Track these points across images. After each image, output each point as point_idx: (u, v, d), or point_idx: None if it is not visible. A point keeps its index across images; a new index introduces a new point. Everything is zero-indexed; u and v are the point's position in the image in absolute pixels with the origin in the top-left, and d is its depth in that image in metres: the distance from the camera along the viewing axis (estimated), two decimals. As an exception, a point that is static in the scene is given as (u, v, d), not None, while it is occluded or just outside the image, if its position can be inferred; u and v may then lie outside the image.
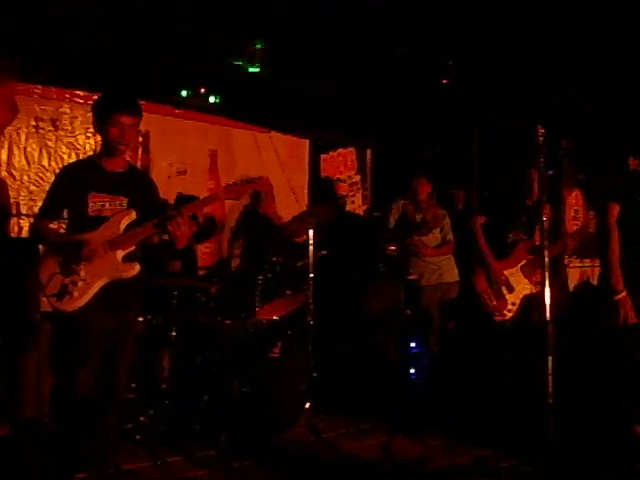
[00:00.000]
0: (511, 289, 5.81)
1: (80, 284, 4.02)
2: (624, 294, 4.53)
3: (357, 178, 9.11)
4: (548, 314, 3.50)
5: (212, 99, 7.17)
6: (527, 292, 5.82)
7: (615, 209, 4.68)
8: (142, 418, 5.04)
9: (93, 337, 4.10)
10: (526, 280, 5.83)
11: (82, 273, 4.02)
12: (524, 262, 5.84)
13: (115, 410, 4.31)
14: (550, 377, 3.43)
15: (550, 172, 3.73)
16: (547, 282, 3.55)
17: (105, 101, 4.29)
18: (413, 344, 6.84)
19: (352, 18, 6.09)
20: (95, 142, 6.32)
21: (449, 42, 5.73)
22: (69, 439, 4.23)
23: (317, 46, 6.38)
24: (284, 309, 5.84)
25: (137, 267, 4.14)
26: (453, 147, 8.16)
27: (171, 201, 6.29)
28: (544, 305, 3.53)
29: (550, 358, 3.43)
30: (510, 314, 5.77)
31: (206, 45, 6.32)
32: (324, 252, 6.38)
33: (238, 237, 7.07)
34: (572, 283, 7.79)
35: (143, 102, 4.42)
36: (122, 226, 4.12)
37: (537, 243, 5.86)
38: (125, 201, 4.23)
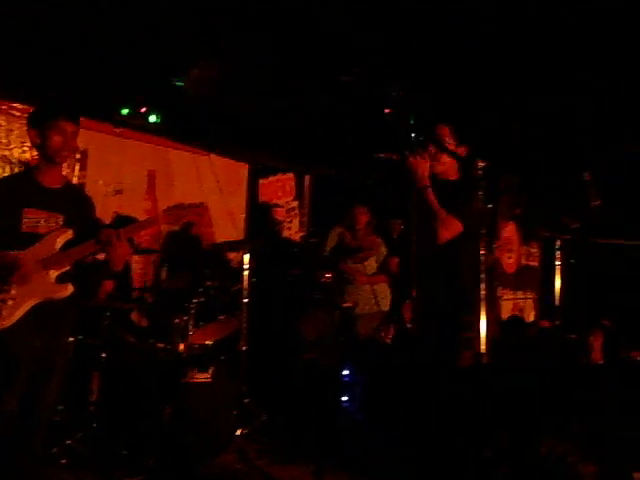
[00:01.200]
0: None
1: (10, 303, 3.90)
2: None
3: (295, 204, 9.12)
4: (483, 347, 3.53)
5: (153, 118, 7.10)
6: None
7: None
8: (69, 441, 4.93)
9: (20, 358, 3.97)
10: None
11: (13, 292, 3.91)
12: None
13: (40, 433, 4.19)
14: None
15: (489, 206, 3.78)
16: (483, 316, 3.58)
17: (46, 108, 4.18)
18: (346, 372, 6.83)
19: (297, 41, 6.10)
20: (31, 156, 6.19)
21: (393, 71, 5.77)
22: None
23: (260, 69, 6.37)
24: (217, 334, 5.79)
25: (70, 288, 4.03)
26: (392, 176, 8.22)
27: (107, 220, 6.21)
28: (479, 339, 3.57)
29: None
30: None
31: (148, 64, 6.26)
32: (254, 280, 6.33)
33: (165, 260, 7.01)
34: (505, 315, 7.90)
35: (82, 118, 4.34)
36: (58, 245, 4.01)
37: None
38: (61, 218, 4.11)
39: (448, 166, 4.36)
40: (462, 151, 4.31)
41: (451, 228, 4.17)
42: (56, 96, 4.97)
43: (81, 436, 5.00)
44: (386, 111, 4.00)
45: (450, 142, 4.32)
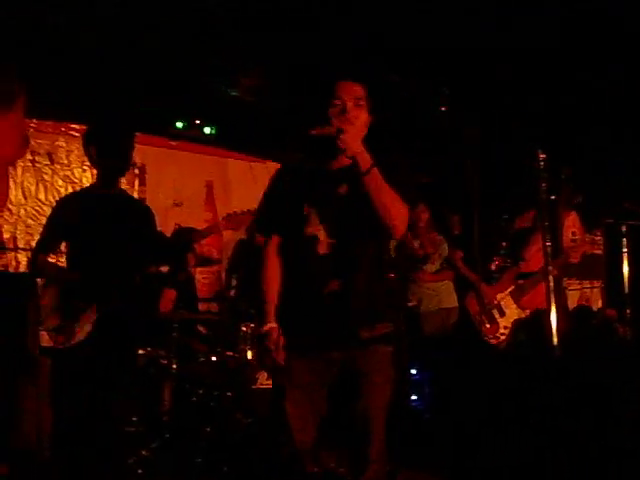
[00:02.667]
0: (502, 313, 5.89)
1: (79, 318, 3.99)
2: None
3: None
4: (555, 338, 3.48)
5: (207, 130, 7.18)
6: (517, 317, 5.90)
7: None
8: (144, 452, 4.98)
9: (94, 371, 4.06)
10: (515, 305, 5.90)
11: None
12: (512, 288, 5.92)
13: (116, 444, 4.26)
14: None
15: (552, 197, 3.71)
16: (553, 307, 3.54)
17: (101, 125, 4.27)
18: (414, 371, 6.80)
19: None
20: (92, 175, 6.31)
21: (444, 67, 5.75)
22: (70, 475, 4.18)
23: (312, 77, 6.38)
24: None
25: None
26: (450, 173, 8.17)
27: (168, 233, 6.29)
28: (550, 329, 3.52)
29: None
30: (503, 337, 5.85)
31: (201, 76, 6.33)
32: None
33: (234, 269, 7.05)
34: (571, 305, 7.79)
35: (138, 134, 4.42)
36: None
37: (522, 269, 5.99)
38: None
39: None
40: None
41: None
42: (110, 113, 5.06)
43: (156, 446, 5.05)
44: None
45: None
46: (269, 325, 3.24)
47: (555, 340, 3.45)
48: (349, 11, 5.26)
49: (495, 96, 6.04)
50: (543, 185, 3.60)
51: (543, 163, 3.54)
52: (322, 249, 3.17)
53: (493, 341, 5.87)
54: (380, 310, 3.25)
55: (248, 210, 4.42)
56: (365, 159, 3.06)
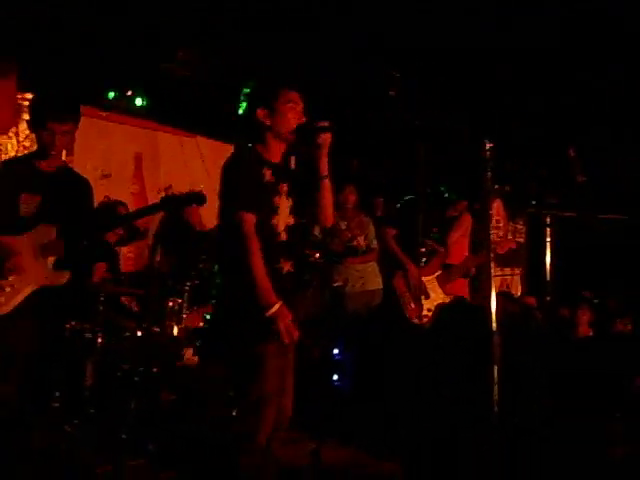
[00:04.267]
0: (427, 295, 6.01)
1: (7, 290, 3.91)
2: None
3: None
4: (494, 324, 3.59)
5: (139, 101, 7.07)
6: (441, 301, 6.04)
7: None
8: (67, 427, 4.92)
9: (18, 345, 3.99)
10: (440, 290, 6.04)
11: (10, 279, 3.91)
12: (439, 272, 6.06)
13: (39, 420, 4.21)
14: (495, 386, 3.51)
15: (507, 188, 3.82)
16: (492, 292, 3.65)
17: (38, 105, 4.20)
18: (336, 350, 6.88)
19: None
20: (17, 142, 6.15)
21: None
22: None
23: (249, 50, 6.36)
24: (211, 316, 5.80)
25: (67, 275, 4.05)
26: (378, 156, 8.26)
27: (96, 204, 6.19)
28: (490, 314, 3.62)
29: (495, 367, 3.52)
30: (425, 320, 5.99)
31: (135, 47, 6.23)
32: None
33: (158, 244, 6.98)
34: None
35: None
36: (55, 232, 4.02)
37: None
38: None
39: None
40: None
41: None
42: (49, 91, 4.94)
43: (79, 422, 4.99)
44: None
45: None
46: (279, 304, 3.41)
47: (494, 326, 3.56)
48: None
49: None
50: (488, 174, 3.67)
51: (489, 152, 3.61)
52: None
53: (416, 321, 5.99)
54: None
55: (188, 193, 4.41)
56: (326, 164, 3.61)
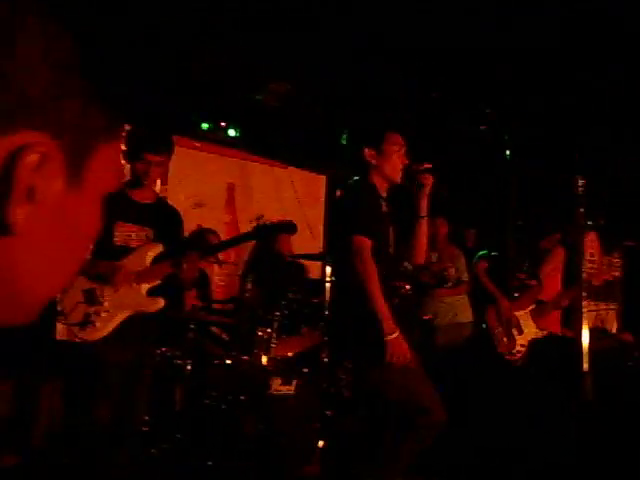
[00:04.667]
0: (520, 331, 5.87)
1: (103, 315, 4.00)
2: None
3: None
4: (585, 364, 3.49)
5: (232, 132, 7.19)
6: (534, 336, 5.89)
7: None
8: (154, 451, 4.97)
9: (112, 369, 4.07)
10: (534, 324, 5.89)
11: (106, 304, 3.99)
12: (533, 307, 5.91)
13: (129, 443, 4.27)
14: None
15: (601, 221, 3.77)
16: (584, 328, 3.55)
17: (134, 137, 4.28)
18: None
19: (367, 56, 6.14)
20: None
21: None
22: (81, 472, 4.18)
23: (337, 83, 6.41)
24: (299, 346, 5.80)
25: (161, 302, 4.13)
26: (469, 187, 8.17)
27: (187, 233, 6.29)
28: (581, 353, 3.52)
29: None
30: (519, 355, 5.84)
31: (228, 79, 6.34)
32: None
33: (249, 273, 7.04)
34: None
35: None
36: (149, 259, 4.11)
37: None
38: (151, 232, 4.22)
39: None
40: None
41: None
42: (145, 122, 5.07)
43: (166, 447, 5.04)
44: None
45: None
46: (397, 331, 3.71)
47: (586, 366, 3.46)
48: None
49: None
50: (581, 210, 3.61)
51: (582, 189, 3.55)
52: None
53: (508, 357, 5.86)
54: None
55: (277, 224, 4.48)
56: (425, 205, 3.96)
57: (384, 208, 3.87)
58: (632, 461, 4.75)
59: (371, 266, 3.60)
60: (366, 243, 3.63)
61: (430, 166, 3.85)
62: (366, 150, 3.82)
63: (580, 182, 3.54)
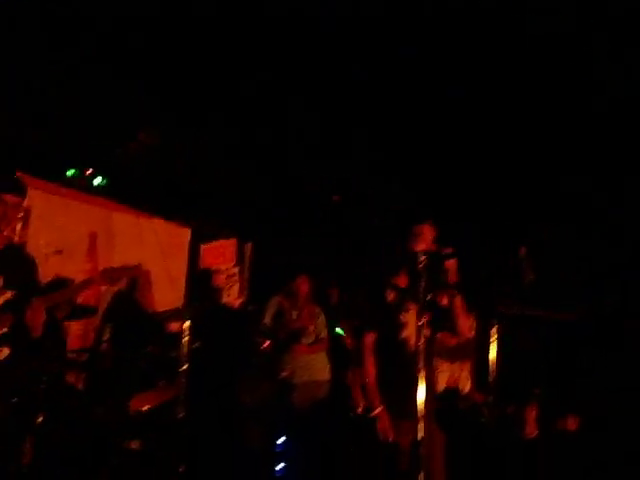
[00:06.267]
0: None
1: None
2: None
3: (235, 270, 9.12)
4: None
5: (97, 181, 7.11)
6: None
7: None
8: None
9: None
10: None
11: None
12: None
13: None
14: None
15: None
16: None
17: None
18: (281, 440, 6.82)
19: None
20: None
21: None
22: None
23: (211, 138, 6.48)
24: (156, 400, 5.73)
25: (5, 351, 4.02)
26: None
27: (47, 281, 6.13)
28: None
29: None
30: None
31: (96, 127, 6.31)
32: (197, 344, 6.30)
33: (109, 320, 6.92)
34: (440, 387, 7.95)
35: (27, 177, 4.34)
36: (-7, 307, 4.00)
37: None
38: (1, 280, 4.10)
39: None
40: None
41: None
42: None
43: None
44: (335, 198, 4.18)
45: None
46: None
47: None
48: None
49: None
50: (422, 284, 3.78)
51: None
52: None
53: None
54: None
55: (124, 267, 4.42)
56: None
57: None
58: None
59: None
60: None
61: (452, 251, 4.08)
62: None
63: (422, 258, 3.71)
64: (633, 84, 6.07)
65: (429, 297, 3.86)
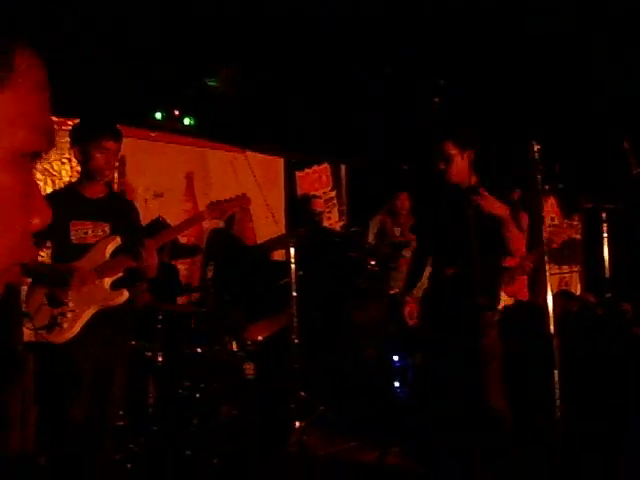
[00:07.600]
0: None
1: (69, 315, 3.96)
2: None
3: (332, 194, 9.11)
4: (551, 326, 3.52)
5: (187, 121, 7.14)
6: (504, 304, 5.91)
7: None
8: (132, 446, 4.96)
9: (85, 368, 4.04)
10: (502, 292, 5.92)
11: (70, 304, 3.96)
12: None
13: (106, 440, 4.25)
14: (557, 390, 3.44)
15: (559, 185, 3.83)
16: (549, 293, 3.59)
17: (88, 127, 4.22)
18: (396, 357, 6.83)
19: (328, 39, 6.14)
20: (71, 168, 6.24)
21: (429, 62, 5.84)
22: (58, 473, 4.17)
23: (290, 65, 6.39)
24: (269, 329, 5.81)
25: (125, 294, 4.10)
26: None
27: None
28: (547, 316, 3.56)
29: (556, 372, 3.44)
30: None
31: (179, 66, 6.30)
32: (300, 273, 6.32)
33: (210, 258, 7.01)
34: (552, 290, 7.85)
35: (117, 126, 4.37)
36: (108, 253, 4.07)
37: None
38: (108, 227, 4.17)
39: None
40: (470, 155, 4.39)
41: None
42: (93, 113, 5.00)
43: (143, 440, 5.03)
44: (435, 100, 4.04)
45: (455, 152, 4.37)
46: None
47: (552, 328, 3.50)
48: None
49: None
50: (538, 176, 3.64)
51: (537, 154, 3.58)
52: None
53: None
54: None
55: (231, 198, 4.40)
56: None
57: None
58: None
59: None
60: None
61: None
62: None
63: (535, 147, 3.56)
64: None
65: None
